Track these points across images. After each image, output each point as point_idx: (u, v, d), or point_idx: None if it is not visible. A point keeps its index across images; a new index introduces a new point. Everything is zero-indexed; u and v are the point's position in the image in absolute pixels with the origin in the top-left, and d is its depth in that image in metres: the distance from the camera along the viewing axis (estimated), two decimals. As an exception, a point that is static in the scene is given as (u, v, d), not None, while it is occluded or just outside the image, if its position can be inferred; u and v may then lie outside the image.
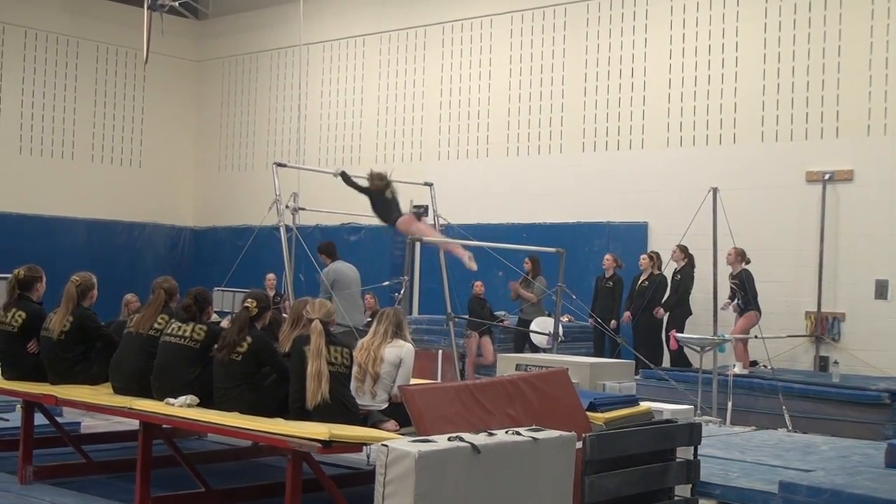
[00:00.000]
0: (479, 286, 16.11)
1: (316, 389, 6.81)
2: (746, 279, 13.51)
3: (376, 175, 11.97)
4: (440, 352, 14.10)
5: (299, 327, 7.43)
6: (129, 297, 12.69)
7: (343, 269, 12.92)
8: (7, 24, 21.02)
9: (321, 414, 6.78)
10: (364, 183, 12.00)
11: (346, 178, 12.02)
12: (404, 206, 16.39)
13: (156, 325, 7.98)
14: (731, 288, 13.62)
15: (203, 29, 24.14)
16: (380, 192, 11.96)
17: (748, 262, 13.65)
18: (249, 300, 7.47)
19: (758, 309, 13.55)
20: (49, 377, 8.41)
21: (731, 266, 13.65)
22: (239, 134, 23.27)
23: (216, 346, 7.38)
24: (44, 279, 8.95)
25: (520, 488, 5.83)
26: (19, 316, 8.61)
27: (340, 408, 6.91)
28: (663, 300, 14.75)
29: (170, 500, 7.59)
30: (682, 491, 7.19)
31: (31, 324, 8.58)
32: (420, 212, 12.22)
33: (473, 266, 12.31)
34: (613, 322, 15.00)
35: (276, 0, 21.61)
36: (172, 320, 7.81)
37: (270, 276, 17.61)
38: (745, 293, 13.41)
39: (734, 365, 13.15)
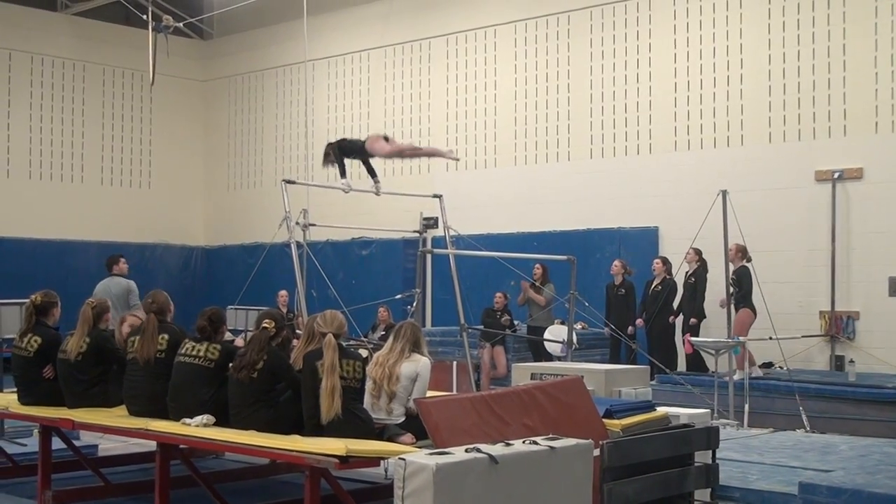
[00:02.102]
0: (499, 297, 16.09)
1: (330, 405, 6.80)
2: (743, 276, 13.46)
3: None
4: (455, 363, 14.09)
5: (313, 343, 7.42)
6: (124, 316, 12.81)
7: (99, 288, 13.23)
8: (13, 51, 21.14)
9: (335, 429, 6.78)
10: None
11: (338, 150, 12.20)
12: (414, 221, 16.58)
13: (158, 347, 7.97)
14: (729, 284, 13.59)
15: (208, 49, 24.24)
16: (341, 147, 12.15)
17: (749, 259, 13.59)
18: (267, 320, 7.46)
19: (752, 308, 13.51)
20: (66, 400, 8.43)
21: (732, 262, 13.61)
22: (247, 152, 23.33)
23: (233, 365, 7.37)
24: (59, 304, 8.98)
25: (538, 498, 5.82)
26: (35, 341, 8.65)
27: (354, 422, 6.91)
28: (679, 306, 14.69)
29: (189, 520, 7.60)
30: (702, 495, 7.19)
31: (47, 349, 8.61)
32: (385, 134, 12.42)
33: (455, 156, 12.49)
34: (630, 328, 14.97)
35: (280, 18, 21.68)
36: (186, 340, 7.81)
37: (283, 293, 17.64)
38: (739, 289, 13.35)
39: (735, 371, 12.94)
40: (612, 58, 17.33)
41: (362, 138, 12.36)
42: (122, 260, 14.15)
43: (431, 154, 13.69)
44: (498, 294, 16.14)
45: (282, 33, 21.90)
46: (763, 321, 13.26)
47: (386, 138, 12.15)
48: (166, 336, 8.01)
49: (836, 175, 14.74)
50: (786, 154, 15.32)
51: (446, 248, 14.21)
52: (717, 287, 13.93)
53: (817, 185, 14.96)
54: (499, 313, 16.08)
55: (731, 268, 13.48)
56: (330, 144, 12.32)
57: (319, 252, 15.83)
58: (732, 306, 13.35)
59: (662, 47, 16.77)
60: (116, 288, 13.29)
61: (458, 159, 14.09)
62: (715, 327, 14.37)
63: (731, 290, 13.32)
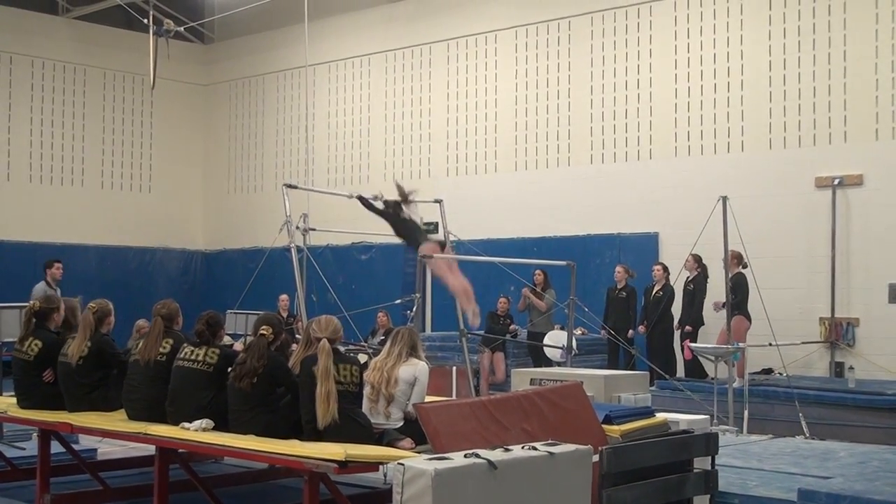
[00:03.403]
0: (502, 302, 16.08)
1: (326, 410, 6.79)
2: (737, 283, 13.44)
3: (389, 202, 11.90)
4: (454, 368, 14.08)
5: (311, 348, 7.42)
6: (140, 322, 12.86)
7: None
8: (14, 54, 21.16)
9: (334, 434, 6.77)
10: (379, 205, 11.99)
11: (363, 201, 12.05)
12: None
13: (161, 350, 7.99)
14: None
15: (209, 53, 24.25)
16: (395, 214, 11.89)
17: (745, 266, 13.58)
18: (265, 327, 7.44)
19: (746, 315, 13.51)
20: (66, 403, 8.42)
21: (731, 270, 13.63)
22: (247, 156, 23.34)
23: (234, 374, 7.34)
24: (61, 309, 8.98)
25: None
26: (35, 345, 8.64)
27: (352, 426, 6.90)
28: (681, 315, 14.69)
29: (188, 524, 7.60)
30: (701, 502, 7.17)
31: (48, 353, 8.60)
32: (443, 241, 12.07)
33: (476, 321, 12.23)
34: (630, 332, 14.96)
35: (280, 22, 21.69)
36: (185, 345, 7.82)
37: (283, 297, 17.63)
38: (734, 296, 13.34)
39: (735, 380, 12.93)
40: (613, 63, 17.34)
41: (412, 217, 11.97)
42: (56, 265, 14.80)
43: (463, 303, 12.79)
44: (501, 298, 16.15)
45: (283, 38, 21.91)
46: (763, 327, 13.25)
47: (442, 246, 11.76)
48: (170, 341, 8.02)
49: (836, 181, 14.75)
50: (786, 160, 15.33)
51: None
52: (717, 294, 13.93)
53: (817, 192, 14.97)
54: (502, 318, 16.08)
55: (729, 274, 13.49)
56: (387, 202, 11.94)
57: (320, 256, 15.85)
58: (719, 308, 13.37)
59: (662, 53, 16.78)
60: (35, 292, 13.88)
61: (476, 324, 12.86)
62: (714, 333, 14.38)
63: (730, 296, 13.31)
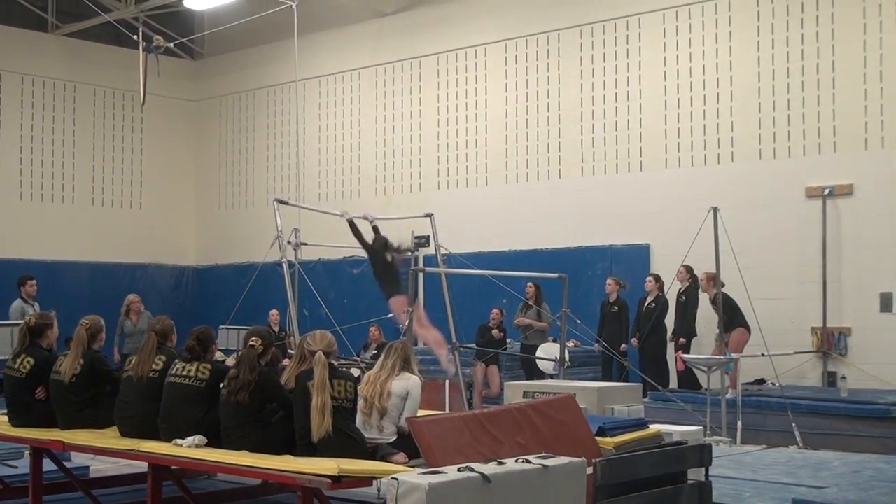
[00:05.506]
0: (495, 313, 16.05)
1: (320, 422, 6.78)
2: (724, 303, 13.42)
3: (381, 238, 12.14)
4: (447, 382, 14.07)
5: (305, 363, 7.41)
6: (131, 297, 13.70)
7: None
8: (4, 72, 21.14)
9: (327, 448, 6.76)
10: (368, 237, 12.13)
11: (351, 224, 12.17)
12: (405, 240, 16.50)
13: (154, 367, 7.97)
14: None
15: (199, 69, 24.25)
16: (379, 253, 12.03)
17: (723, 285, 13.52)
18: (254, 338, 7.44)
19: (747, 328, 13.53)
20: (58, 421, 8.39)
21: (707, 292, 13.68)
22: (238, 171, 23.32)
23: (229, 389, 7.32)
24: (55, 326, 8.97)
25: (532, 517, 5.80)
26: (28, 362, 8.61)
27: (346, 441, 6.89)
28: (675, 328, 14.70)
29: (181, 541, 7.56)
30: (695, 513, 7.16)
31: (40, 370, 8.57)
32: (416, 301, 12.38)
33: (452, 369, 12.40)
34: (624, 346, 14.96)
35: (270, 37, 21.68)
36: (176, 361, 7.80)
37: (274, 312, 17.59)
38: (727, 317, 13.35)
39: (728, 391, 12.93)
40: (602, 75, 17.37)
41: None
42: (30, 282, 14.92)
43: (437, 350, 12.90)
44: (494, 310, 16.11)
45: (273, 53, 21.91)
46: (755, 337, 13.28)
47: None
48: (163, 357, 8.00)
49: (826, 191, 14.78)
50: (776, 171, 15.36)
51: (438, 266, 14.21)
52: (709, 304, 13.95)
53: (808, 202, 15.00)
54: (494, 330, 16.04)
55: (707, 297, 13.55)
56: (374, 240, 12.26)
57: (311, 271, 15.79)
58: (718, 330, 13.40)
59: (652, 65, 16.82)
60: (13, 310, 14.17)
61: (452, 371, 13.03)
62: (707, 344, 14.39)
63: (723, 317, 13.35)
